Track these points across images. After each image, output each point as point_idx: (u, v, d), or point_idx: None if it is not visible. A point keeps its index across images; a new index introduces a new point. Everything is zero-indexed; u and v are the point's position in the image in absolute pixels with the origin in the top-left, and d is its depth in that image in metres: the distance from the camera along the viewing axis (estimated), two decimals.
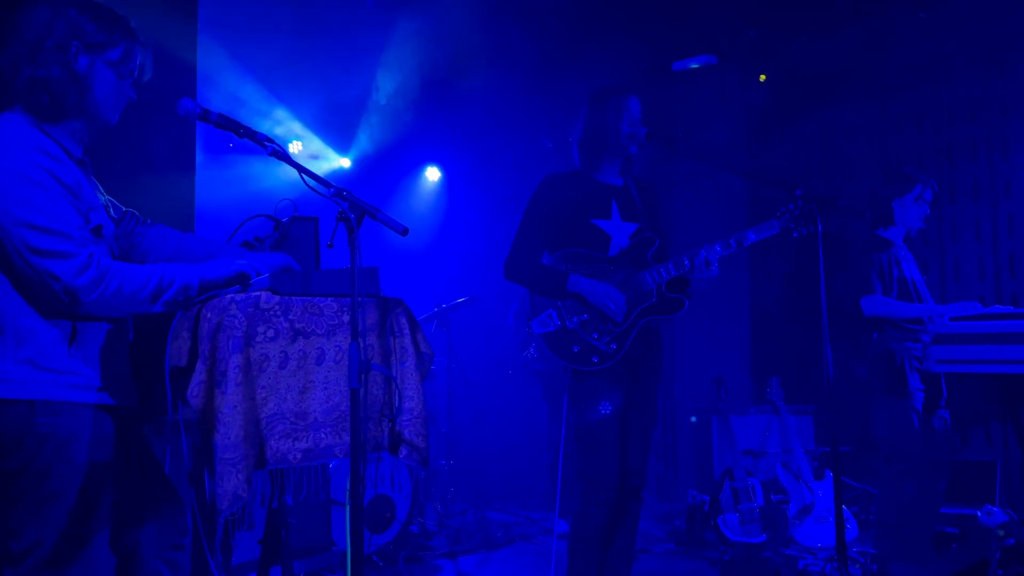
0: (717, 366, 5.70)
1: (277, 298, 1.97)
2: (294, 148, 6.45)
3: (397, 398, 2.13)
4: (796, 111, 5.95)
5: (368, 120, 6.58)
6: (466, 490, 5.60)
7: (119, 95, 1.94)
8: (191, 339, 1.91)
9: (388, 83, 6.08)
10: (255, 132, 2.02)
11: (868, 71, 5.60)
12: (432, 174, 7.36)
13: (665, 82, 6.10)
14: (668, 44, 5.91)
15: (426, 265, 6.92)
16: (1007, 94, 5.13)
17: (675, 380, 6.25)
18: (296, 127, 6.38)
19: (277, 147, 2.02)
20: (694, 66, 5.95)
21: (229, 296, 1.92)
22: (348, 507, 1.90)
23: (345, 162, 6.92)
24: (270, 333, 1.94)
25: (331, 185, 1.97)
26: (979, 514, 3.48)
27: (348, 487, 1.88)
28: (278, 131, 6.17)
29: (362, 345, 1.88)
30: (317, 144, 6.68)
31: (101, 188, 2.04)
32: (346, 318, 2.06)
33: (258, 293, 1.96)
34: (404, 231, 1.96)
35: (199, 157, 3.89)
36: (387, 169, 7.07)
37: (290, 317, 1.97)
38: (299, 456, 1.97)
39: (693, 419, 5.47)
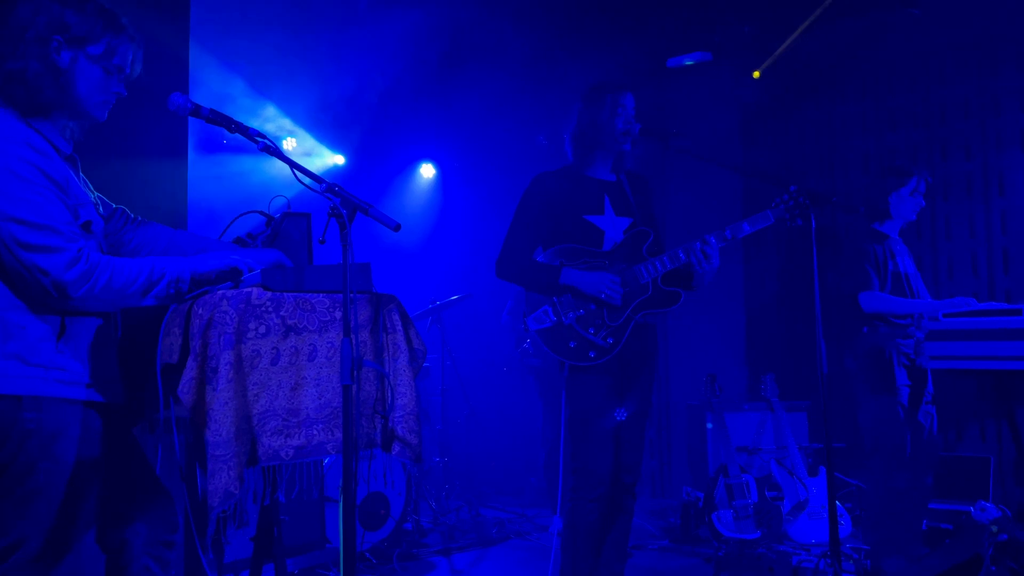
0: (712, 362, 5.70)
1: (269, 294, 1.96)
2: (288, 145, 6.43)
3: (390, 394, 2.12)
4: (790, 107, 5.95)
5: (362, 117, 6.56)
6: (461, 487, 5.60)
7: (105, 91, 1.92)
8: (182, 335, 1.90)
9: (382, 79, 6.06)
10: (246, 127, 2.01)
11: (862, 67, 5.61)
12: (427, 171, 7.36)
13: (660, 79, 6.09)
14: (662, 41, 5.90)
15: (421, 262, 6.92)
16: (1000, 90, 5.13)
17: (670, 376, 6.25)
18: (290, 124, 6.36)
19: (268, 142, 2.00)
20: (688, 63, 5.94)
21: (220, 292, 1.91)
22: (341, 504, 1.89)
23: (339, 159, 6.91)
24: (262, 329, 1.93)
25: (323, 181, 1.96)
26: (972, 510, 3.49)
27: (341, 484, 1.87)
28: (272, 128, 6.15)
29: (354, 341, 1.87)
30: (311, 141, 6.66)
31: (91, 185, 2.03)
32: (338, 314, 2.05)
33: (249, 289, 1.95)
34: (396, 227, 1.95)
35: (191, 153, 3.88)
36: (381, 166, 7.07)
37: (282, 313, 1.96)
38: (291, 453, 1.96)
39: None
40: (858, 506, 4.86)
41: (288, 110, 6.15)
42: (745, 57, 5.97)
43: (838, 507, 4.26)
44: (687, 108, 6.08)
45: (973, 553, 2.78)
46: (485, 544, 4.69)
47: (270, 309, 1.95)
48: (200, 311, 1.88)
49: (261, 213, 2.32)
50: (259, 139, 2.00)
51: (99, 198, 2.06)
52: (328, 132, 6.67)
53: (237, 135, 2.01)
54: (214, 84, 5.24)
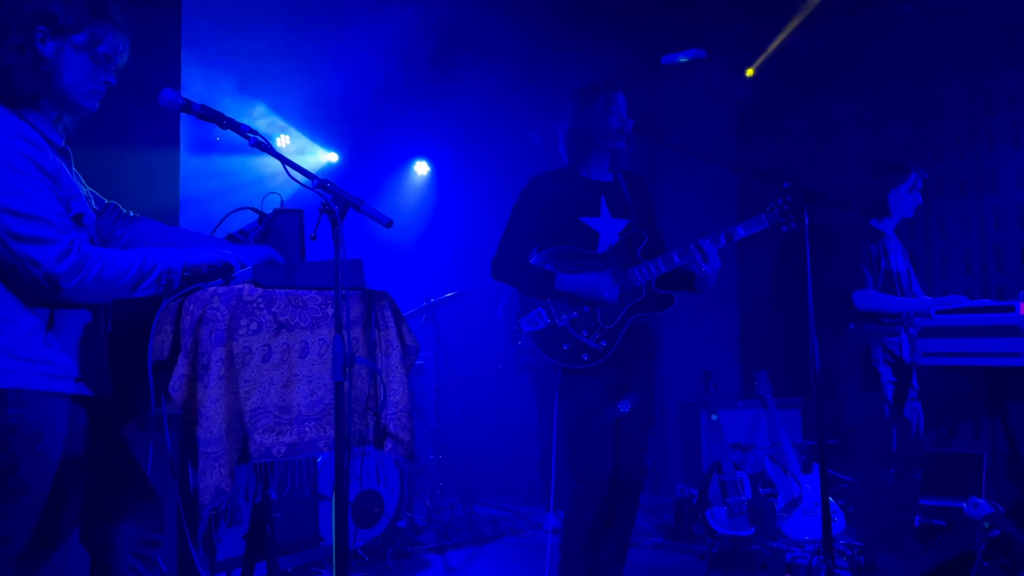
0: (706, 360, 5.70)
1: (260, 291, 1.95)
2: (281, 142, 6.41)
3: (382, 391, 2.12)
4: (785, 105, 5.96)
5: (356, 114, 6.54)
6: (455, 485, 5.60)
7: (94, 80, 1.89)
8: (173, 332, 1.89)
9: (376, 76, 6.05)
10: (238, 123, 2.00)
11: (856, 65, 5.61)
12: (421, 168, 7.34)
13: (654, 76, 6.09)
14: (657, 38, 5.90)
15: (415, 259, 6.91)
16: (993, 88, 5.14)
17: (664, 374, 6.26)
18: (283, 121, 6.34)
19: (260, 138, 2.00)
20: (683, 60, 5.94)
21: (211, 289, 1.90)
22: (334, 501, 1.88)
23: (333, 156, 6.89)
24: (253, 326, 1.92)
25: (315, 177, 1.95)
26: (965, 506, 3.50)
27: (334, 481, 1.87)
28: (266, 124, 6.13)
29: (346, 338, 1.87)
30: (305, 138, 6.65)
31: (83, 179, 2.02)
32: (330, 311, 2.04)
33: (241, 286, 1.94)
34: (388, 223, 1.95)
35: (183, 150, 3.86)
36: (376, 163, 7.05)
37: (273, 310, 1.96)
38: (283, 450, 1.95)
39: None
40: (851, 503, 4.87)
41: (281, 107, 6.13)
42: (739, 54, 5.97)
43: (832, 504, 4.27)
44: (682, 105, 6.08)
45: (965, 549, 2.79)
46: (479, 542, 4.69)
47: (262, 306, 1.94)
48: (191, 308, 1.87)
49: (253, 210, 2.31)
50: (250, 135, 1.99)
51: (91, 193, 2.05)
52: (322, 129, 6.65)
53: (229, 131, 2.00)
54: (206, 80, 5.22)
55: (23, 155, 1.74)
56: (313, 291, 2.05)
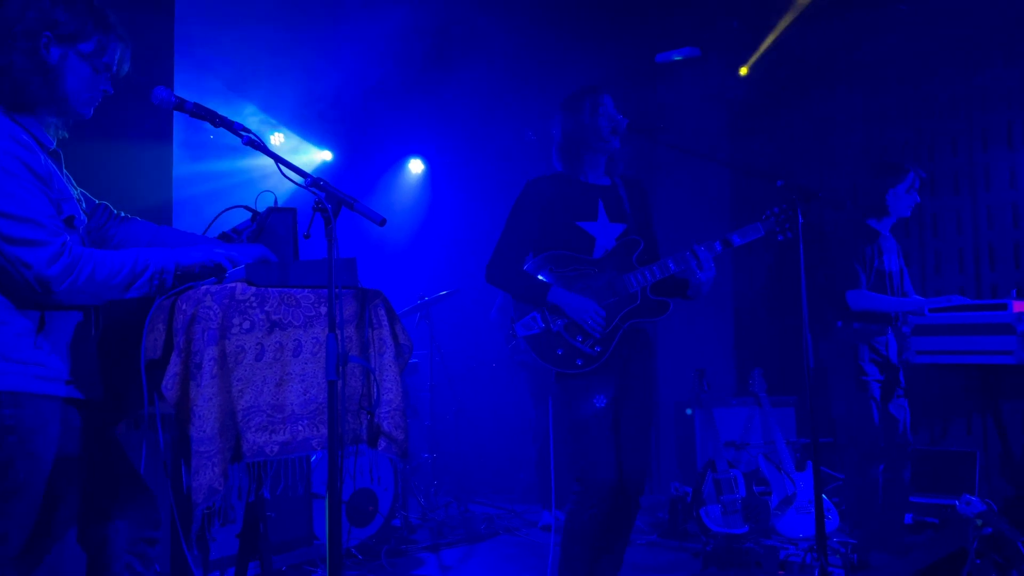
0: (700, 358, 5.71)
1: (253, 289, 1.95)
2: (275, 140, 6.40)
3: (375, 390, 2.11)
4: (779, 103, 5.96)
5: (350, 112, 6.53)
6: (449, 483, 5.60)
7: (93, 88, 1.91)
8: (166, 331, 1.89)
9: (371, 75, 6.04)
10: (231, 122, 1.99)
11: (849, 64, 5.62)
12: (415, 166, 7.34)
13: (648, 75, 6.09)
14: (651, 36, 5.90)
15: (409, 257, 6.90)
16: (986, 87, 5.16)
17: (659, 372, 6.26)
18: (277, 119, 6.33)
19: (253, 136, 1.99)
20: (677, 58, 5.94)
21: (204, 288, 1.90)
22: (327, 500, 1.88)
23: (327, 155, 6.88)
24: (246, 325, 1.91)
25: (308, 175, 1.95)
26: (958, 504, 3.51)
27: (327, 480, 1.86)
28: (259, 123, 6.12)
29: (340, 337, 1.86)
30: (299, 136, 6.64)
31: (74, 181, 2.01)
32: (323, 309, 2.04)
33: (234, 285, 1.94)
34: (382, 222, 1.94)
35: (176, 148, 3.85)
36: (370, 161, 7.04)
37: (266, 308, 1.95)
38: (276, 449, 1.95)
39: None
40: (843, 500, 4.89)
41: (275, 105, 6.12)
42: (734, 53, 5.98)
43: (825, 501, 4.28)
44: (676, 104, 6.09)
45: (958, 546, 2.80)
46: (474, 540, 4.69)
47: (254, 305, 1.93)
48: (184, 307, 1.87)
49: (246, 208, 2.31)
50: (243, 133, 1.99)
51: (82, 194, 2.05)
52: (316, 128, 6.64)
53: (222, 130, 2.00)
54: (199, 78, 5.20)
55: (14, 157, 1.74)
56: (306, 290, 2.04)
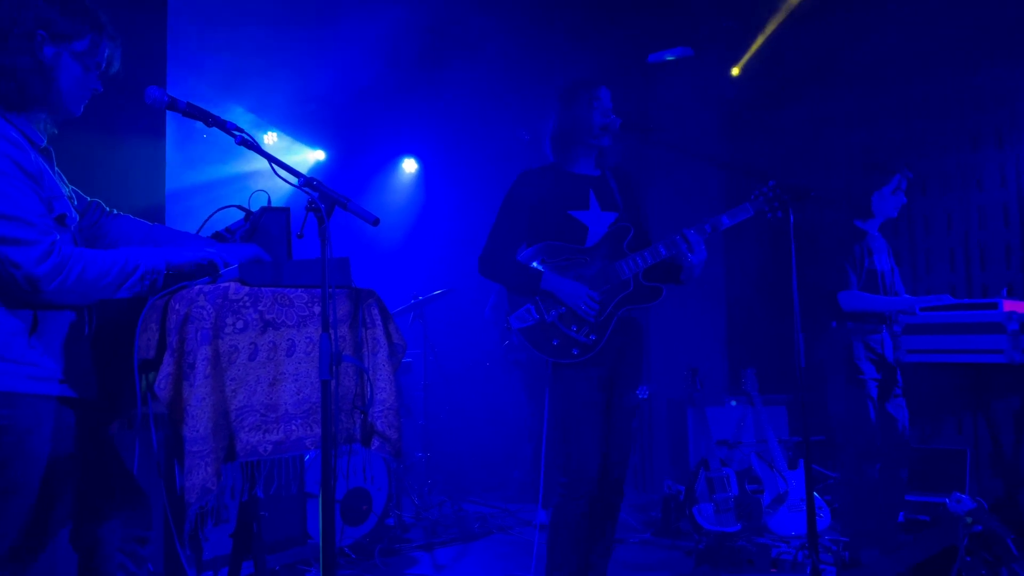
0: (693, 357, 5.73)
1: (246, 289, 1.95)
2: (269, 140, 6.39)
3: (369, 390, 2.12)
4: (771, 103, 5.98)
5: (344, 112, 6.53)
6: (443, 482, 5.60)
7: (84, 87, 1.91)
8: (159, 331, 1.88)
9: (364, 74, 6.04)
10: (224, 121, 1.99)
11: (841, 64, 5.64)
12: (409, 165, 7.34)
13: (641, 74, 6.10)
14: (644, 36, 5.91)
15: (403, 257, 6.90)
16: (977, 88, 5.19)
17: (652, 371, 6.28)
18: (270, 118, 6.32)
19: (246, 136, 1.99)
20: (670, 58, 5.95)
21: (197, 287, 1.90)
22: (320, 500, 1.89)
23: (320, 154, 6.88)
24: (239, 324, 1.92)
25: (301, 175, 1.95)
26: (948, 501, 3.54)
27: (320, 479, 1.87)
28: (252, 122, 6.11)
29: (333, 336, 1.87)
30: (292, 135, 6.63)
31: (65, 179, 2.01)
32: (317, 309, 2.04)
33: (227, 284, 1.94)
34: (375, 221, 1.95)
35: (169, 147, 3.85)
36: (363, 161, 7.04)
37: (260, 308, 1.95)
38: (270, 448, 1.95)
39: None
40: (836, 499, 4.90)
41: (268, 105, 6.11)
42: (726, 52, 5.99)
43: (817, 500, 4.30)
44: (669, 103, 6.10)
45: (948, 544, 2.81)
46: (467, 539, 4.69)
47: (248, 304, 1.94)
48: (177, 306, 1.87)
49: (240, 208, 2.31)
50: (236, 133, 1.99)
51: (74, 191, 2.04)
52: (309, 127, 6.63)
53: (215, 129, 2.00)
54: (192, 78, 5.20)
55: (3, 155, 1.73)
56: (300, 289, 2.05)
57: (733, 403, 5.21)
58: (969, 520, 2.80)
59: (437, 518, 5.00)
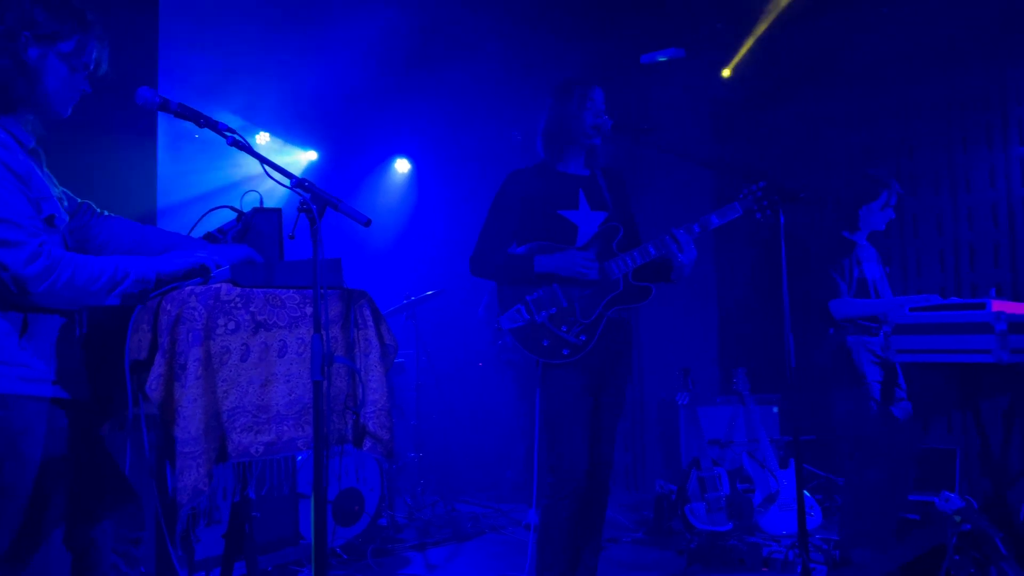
0: (685, 357, 5.75)
1: (238, 290, 1.95)
2: (261, 140, 6.38)
3: (361, 390, 2.12)
4: (762, 105, 6.01)
5: (336, 112, 6.52)
6: (435, 482, 5.60)
7: (71, 88, 1.91)
8: (151, 332, 1.88)
9: (357, 75, 6.04)
10: (215, 122, 1.99)
11: (832, 65, 5.66)
12: (401, 166, 7.33)
13: (633, 75, 6.11)
14: (636, 37, 5.92)
15: (395, 258, 6.90)
16: (966, 88, 5.22)
17: (644, 371, 6.30)
18: (262, 119, 6.31)
19: (238, 137, 1.99)
20: (662, 59, 5.97)
21: (189, 288, 1.90)
22: (312, 500, 1.89)
23: (312, 155, 6.87)
24: (231, 325, 1.92)
25: (293, 175, 1.95)
26: (937, 500, 3.56)
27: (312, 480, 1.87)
28: (244, 123, 6.10)
29: (325, 337, 1.87)
30: (284, 136, 6.62)
31: (55, 180, 2.00)
32: (309, 310, 2.04)
33: (219, 285, 1.94)
34: (367, 222, 1.95)
35: (161, 148, 3.84)
36: (356, 161, 7.04)
37: (251, 309, 1.95)
38: (261, 449, 1.95)
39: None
40: (828, 498, 4.93)
41: (260, 105, 6.10)
42: (718, 54, 6.01)
43: (808, 498, 4.32)
44: (661, 104, 6.11)
45: (938, 543, 2.83)
46: (460, 539, 4.70)
47: (239, 305, 1.94)
48: (168, 307, 1.87)
49: (232, 208, 2.30)
50: (228, 134, 1.99)
51: (64, 192, 2.04)
52: (301, 128, 6.63)
53: (207, 130, 2.00)
54: (183, 78, 5.18)
55: None
56: (292, 290, 2.05)
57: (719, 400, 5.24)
58: (958, 519, 2.81)
59: (430, 518, 5.00)
